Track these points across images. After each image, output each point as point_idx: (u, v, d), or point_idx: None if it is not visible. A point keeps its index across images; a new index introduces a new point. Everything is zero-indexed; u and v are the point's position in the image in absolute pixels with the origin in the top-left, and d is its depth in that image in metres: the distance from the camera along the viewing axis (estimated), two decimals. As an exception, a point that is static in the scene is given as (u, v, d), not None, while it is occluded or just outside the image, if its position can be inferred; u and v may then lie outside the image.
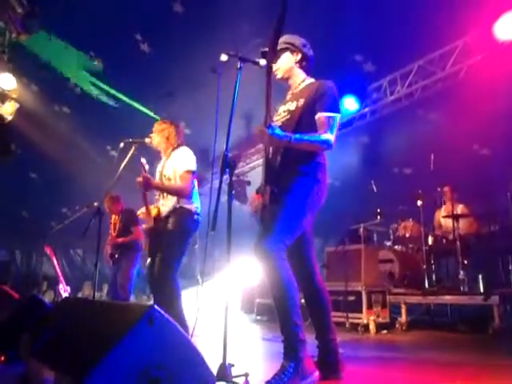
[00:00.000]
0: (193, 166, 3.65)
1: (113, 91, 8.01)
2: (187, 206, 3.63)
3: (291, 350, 2.19)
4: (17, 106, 6.18)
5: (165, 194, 3.74)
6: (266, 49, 2.39)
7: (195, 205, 3.70)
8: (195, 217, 3.66)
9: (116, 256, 5.53)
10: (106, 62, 7.68)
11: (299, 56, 2.63)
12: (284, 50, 2.60)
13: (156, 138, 3.84)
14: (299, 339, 2.19)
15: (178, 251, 3.56)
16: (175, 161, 3.72)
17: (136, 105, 8.14)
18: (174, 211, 3.63)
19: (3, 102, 6.12)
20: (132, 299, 5.75)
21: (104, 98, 8.15)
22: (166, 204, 3.71)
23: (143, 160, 3.60)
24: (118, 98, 8.08)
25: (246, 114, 7.95)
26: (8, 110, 6.10)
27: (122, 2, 6.49)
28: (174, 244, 3.55)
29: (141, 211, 3.81)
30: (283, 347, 2.22)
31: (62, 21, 6.59)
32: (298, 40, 2.64)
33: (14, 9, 4.95)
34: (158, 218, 3.68)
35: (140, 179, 3.54)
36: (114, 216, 5.83)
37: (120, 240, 5.56)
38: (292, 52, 2.62)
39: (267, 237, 2.28)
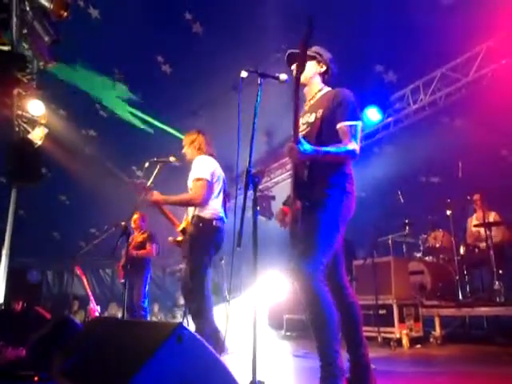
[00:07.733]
0: (203, 174, 3.55)
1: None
2: (203, 214, 3.54)
3: (329, 375, 2.15)
4: (46, 131, 6.36)
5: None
6: (292, 51, 2.45)
7: (213, 211, 3.58)
8: (214, 223, 3.54)
9: (128, 267, 5.65)
10: (129, 84, 7.87)
11: (324, 68, 2.67)
12: (311, 57, 2.62)
13: (188, 151, 3.82)
14: (337, 366, 2.16)
15: (197, 261, 3.48)
16: (191, 171, 3.70)
17: (161, 125, 8.31)
18: (192, 219, 3.59)
19: (33, 128, 6.32)
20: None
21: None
22: (188, 214, 3.70)
23: (140, 180, 3.68)
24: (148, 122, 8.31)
25: (268, 129, 7.98)
26: (38, 135, 6.28)
27: (141, 25, 6.67)
28: (191, 255, 3.49)
29: (171, 239, 3.82)
30: (320, 371, 2.18)
31: (86, 46, 6.82)
32: (326, 53, 2.69)
33: (41, 38, 5.12)
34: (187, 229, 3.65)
35: (147, 199, 3.59)
36: (135, 232, 6.06)
37: (134, 253, 5.76)
38: (318, 62, 2.66)
39: (306, 259, 2.25)
